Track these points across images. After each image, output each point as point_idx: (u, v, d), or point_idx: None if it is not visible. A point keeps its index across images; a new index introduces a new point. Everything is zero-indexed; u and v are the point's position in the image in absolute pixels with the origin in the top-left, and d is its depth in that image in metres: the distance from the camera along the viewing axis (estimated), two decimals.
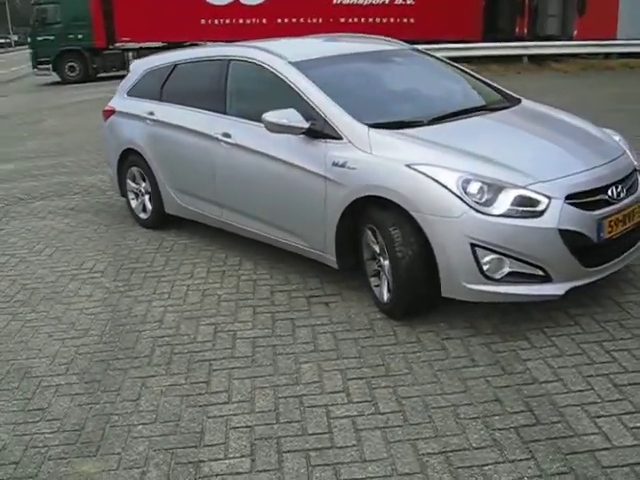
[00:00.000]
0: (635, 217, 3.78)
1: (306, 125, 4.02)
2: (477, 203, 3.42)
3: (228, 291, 4.39)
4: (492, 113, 4.40)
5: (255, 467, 2.71)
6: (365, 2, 19.99)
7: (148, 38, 20.42)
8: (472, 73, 5.07)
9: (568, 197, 3.48)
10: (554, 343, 3.50)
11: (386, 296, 3.83)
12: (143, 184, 5.67)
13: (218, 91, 4.84)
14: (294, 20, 19.98)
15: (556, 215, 3.42)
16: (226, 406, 3.14)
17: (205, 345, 3.71)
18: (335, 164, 3.91)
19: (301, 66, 4.38)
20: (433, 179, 3.51)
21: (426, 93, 4.58)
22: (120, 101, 5.95)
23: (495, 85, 4.95)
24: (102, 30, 20.50)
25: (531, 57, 17.53)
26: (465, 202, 3.43)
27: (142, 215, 5.79)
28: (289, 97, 4.25)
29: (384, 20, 19.82)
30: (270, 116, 4.08)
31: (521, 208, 3.43)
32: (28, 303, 4.41)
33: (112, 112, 5.96)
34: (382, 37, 5.46)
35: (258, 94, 4.66)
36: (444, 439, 2.80)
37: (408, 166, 3.61)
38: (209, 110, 4.89)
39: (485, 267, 3.45)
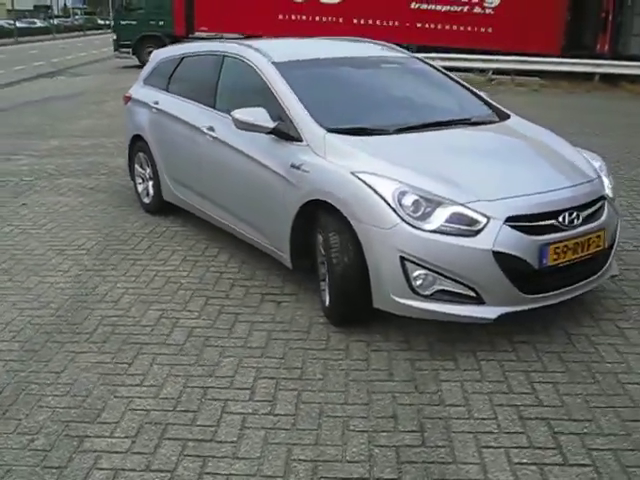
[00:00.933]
0: (591, 247, 3.62)
1: (272, 125, 4.07)
2: (410, 216, 3.38)
3: (191, 280, 4.50)
4: (468, 127, 4.31)
5: (132, 449, 2.80)
6: (443, 9, 19.71)
7: (225, 29, 20.86)
8: (468, 86, 4.96)
9: (510, 219, 3.38)
10: (480, 367, 3.41)
11: (327, 301, 3.83)
12: (147, 170, 5.87)
13: (211, 85, 4.96)
14: (370, 22, 19.95)
15: (492, 236, 3.33)
16: (135, 388, 3.23)
17: (145, 329, 3.83)
18: (292, 166, 3.95)
19: (282, 67, 4.43)
20: (372, 188, 3.49)
21: (405, 102, 4.53)
22: (136, 88, 6.17)
23: (487, 100, 4.84)
24: (182, 19, 21.10)
25: (604, 76, 16.80)
26: (398, 214, 3.39)
27: (145, 200, 5.99)
28: (266, 96, 4.31)
29: (461, 28, 19.48)
30: (238, 113, 4.16)
31: (456, 226, 3.36)
32: (9, 272, 4.66)
33: (130, 99, 6.19)
34: (386, 43, 5.41)
35: (242, 91, 4.74)
36: (321, 448, 2.80)
37: (353, 173, 3.60)
38: (202, 103, 5.01)
39: (414, 282, 3.40)
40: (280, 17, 20.54)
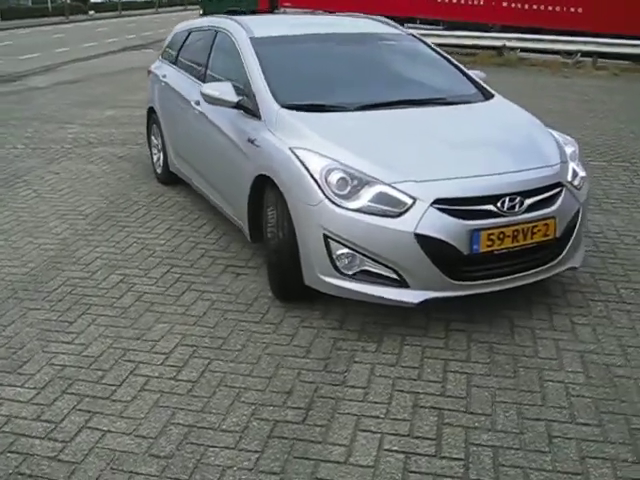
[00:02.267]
0: (537, 235, 3.44)
1: (235, 99, 4.11)
2: (335, 194, 3.34)
3: (165, 249, 4.65)
4: (437, 107, 4.17)
5: (33, 400, 2.97)
6: None
7: (308, 5, 20.94)
8: (458, 65, 4.78)
9: (438, 201, 3.27)
10: (401, 352, 3.35)
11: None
12: (159, 141, 6.06)
13: (204, 60, 5.06)
14: (454, 1, 19.36)
15: (416, 218, 3.24)
16: (64, 345, 3.41)
17: (100, 291, 4.01)
18: (249, 140, 3.98)
19: (259, 42, 4.45)
20: (303, 164, 3.47)
21: (379, 79, 4.41)
22: (156, 62, 6.37)
23: (475, 79, 4.64)
24: None
25: None
26: (323, 191, 3.36)
27: (158, 170, 6.20)
28: (240, 71, 4.35)
29: (549, 8, 18.48)
30: (206, 87, 4.23)
31: (380, 206, 3.29)
32: (7, 232, 4.98)
33: (150, 72, 6.40)
34: (384, 20, 5.28)
35: (226, 66, 4.79)
36: (203, 415, 2.86)
37: (290, 149, 3.59)
38: (195, 77, 5.13)
39: (338, 261, 3.38)
40: None
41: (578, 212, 3.69)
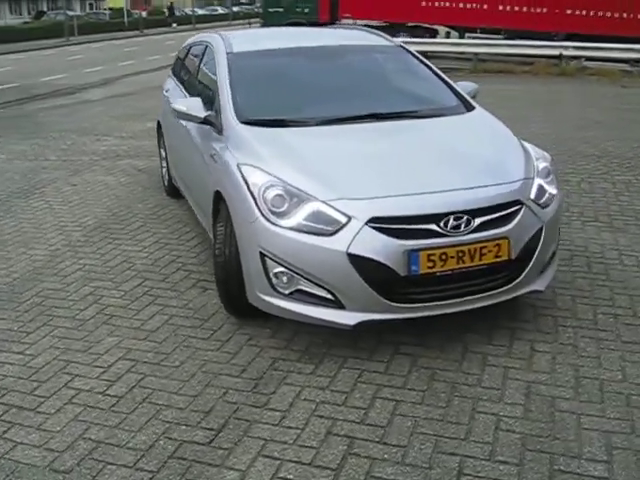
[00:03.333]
0: (487, 257, 3.26)
1: (202, 115, 4.12)
2: (271, 211, 3.28)
3: (145, 262, 4.69)
4: (404, 120, 4.05)
5: None
6: None
7: (368, 16, 20.93)
8: (444, 77, 4.61)
9: (373, 220, 3.15)
10: (335, 375, 3.25)
11: None
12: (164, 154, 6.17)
13: (194, 73, 5.13)
14: (516, 8, 18.86)
15: (349, 237, 3.14)
16: (12, 355, 3.49)
17: (67, 303, 4.08)
18: (211, 155, 3.99)
19: (235, 57, 4.46)
20: (245, 180, 3.43)
21: (350, 94, 4.30)
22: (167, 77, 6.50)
23: (458, 91, 4.47)
24: (327, 6, 21.47)
25: None
26: (259, 208, 3.31)
27: (165, 182, 6.31)
28: (215, 86, 4.37)
29: (615, 15, 17.66)
30: (176, 103, 4.26)
31: (314, 224, 3.20)
32: (4, 242, 5.17)
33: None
34: (376, 32, 5.19)
35: (208, 80, 4.81)
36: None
37: (237, 165, 3.56)
38: (186, 91, 5.19)
39: (274, 280, 3.31)
40: (423, 4, 20.14)
41: (540, 232, 3.47)
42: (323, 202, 3.22)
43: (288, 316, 3.38)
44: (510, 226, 3.32)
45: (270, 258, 3.28)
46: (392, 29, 20.64)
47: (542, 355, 3.39)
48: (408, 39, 18.23)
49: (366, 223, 3.15)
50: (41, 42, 31.64)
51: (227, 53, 4.50)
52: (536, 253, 3.46)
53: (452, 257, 3.20)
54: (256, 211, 3.31)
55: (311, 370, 3.30)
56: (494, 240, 3.27)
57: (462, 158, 3.65)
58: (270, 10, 22.72)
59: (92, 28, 38.10)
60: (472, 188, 3.36)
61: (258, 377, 3.25)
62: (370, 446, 2.73)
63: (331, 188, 3.27)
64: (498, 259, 3.30)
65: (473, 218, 3.24)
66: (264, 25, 22.51)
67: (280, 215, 3.26)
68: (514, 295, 3.49)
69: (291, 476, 2.57)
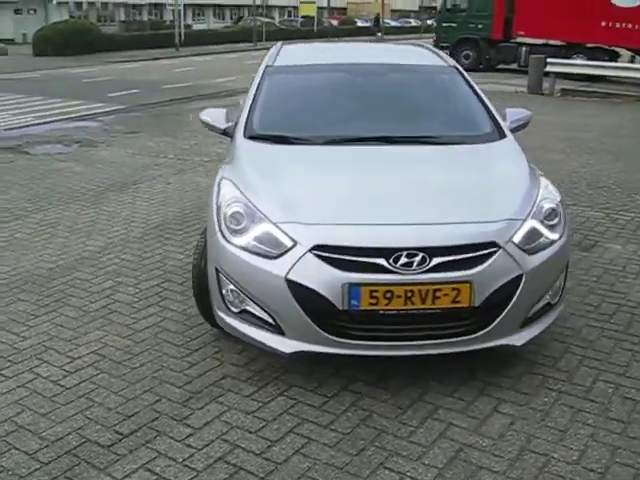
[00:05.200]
0: (441, 301, 2.98)
1: (222, 127, 4.22)
2: (228, 228, 3.26)
3: (175, 264, 4.87)
4: (420, 146, 3.87)
5: None
6: None
7: (543, 35, 19.95)
8: (486, 103, 4.27)
9: (318, 247, 3.01)
10: (269, 402, 3.15)
11: None
12: None
13: None
14: None
15: (290, 263, 3.03)
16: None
17: (82, 293, 4.37)
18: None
19: (273, 70, 4.50)
20: (217, 195, 3.45)
21: (377, 114, 4.13)
22: None
23: (496, 118, 4.12)
24: (501, 22, 20.74)
25: None
26: (219, 224, 3.30)
27: None
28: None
29: None
30: (202, 113, 4.39)
31: (262, 245, 3.14)
32: (73, 231, 5.62)
33: None
34: (436, 51, 4.91)
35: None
36: None
37: (221, 178, 3.59)
38: None
39: (226, 297, 3.29)
40: (603, 24, 18.75)
41: (518, 280, 3.10)
42: (274, 224, 3.14)
43: (236, 335, 3.35)
44: (476, 270, 3.01)
45: (223, 275, 3.27)
46: (569, 49, 19.51)
47: (500, 418, 3.04)
48: (575, 61, 17.16)
49: (310, 250, 3.02)
50: (229, 46, 33.87)
51: (267, 66, 4.55)
52: (510, 304, 3.10)
53: (399, 296, 2.96)
54: (216, 226, 3.32)
55: (250, 392, 3.24)
56: (452, 283, 2.98)
57: (449, 191, 3.38)
58: (444, 25, 22.42)
59: (282, 34, 40.06)
60: (437, 224, 3.10)
61: (197, 391, 3.25)
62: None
63: (287, 211, 3.19)
64: (456, 305, 3.00)
65: (430, 257, 2.98)
66: (437, 40, 22.28)
67: (236, 233, 3.24)
68: (480, 347, 3.14)
69: None
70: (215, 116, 4.30)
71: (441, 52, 4.97)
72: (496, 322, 3.09)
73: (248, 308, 3.21)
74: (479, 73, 20.08)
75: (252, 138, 3.91)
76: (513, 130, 4.33)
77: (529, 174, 3.59)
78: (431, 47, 5.14)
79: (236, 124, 4.18)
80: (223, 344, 3.68)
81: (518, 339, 3.21)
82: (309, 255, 3.02)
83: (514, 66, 20.92)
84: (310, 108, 4.26)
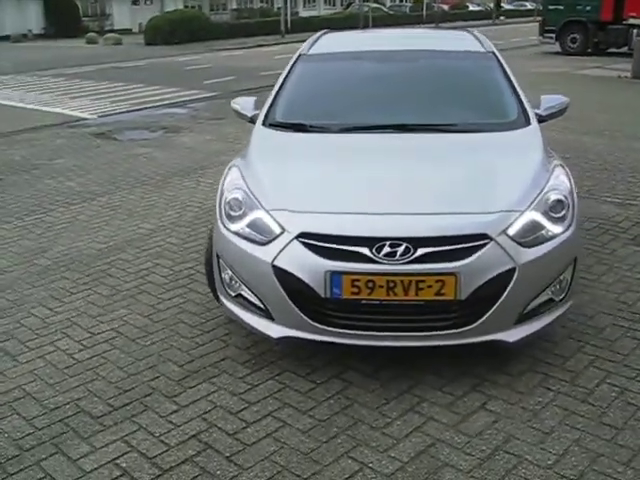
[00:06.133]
0: (425, 293, 2.93)
1: (250, 114, 4.31)
2: (227, 214, 3.35)
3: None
4: (437, 134, 3.82)
5: None
6: None
7: None
8: (518, 90, 4.09)
9: (303, 235, 3.04)
10: (257, 385, 3.23)
11: None
12: None
13: None
14: None
15: (277, 250, 3.07)
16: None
17: (119, 272, 4.62)
18: None
19: (305, 59, 4.54)
20: (223, 181, 3.55)
21: (398, 101, 4.08)
22: None
23: (525, 107, 3.94)
24: (611, 4, 19.44)
25: None
26: (219, 210, 3.39)
27: None
28: None
29: None
30: (234, 101, 4.49)
31: (253, 232, 3.21)
32: (130, 214, 5.94)
33: None
34: (478, 36, 4.75)
35: None
36: None
37: (232, 164, 3.69)
38: None
39: (225, 281, 3.39)
40: None
41: (511, 274, 2.97)
42: (266, 211, 3.20)
43: (234, 318, 3.44)
44: (463, 262, 2.92)
45: (222, 260, 3.37)
46: None
47: (484, 416, 2.95)
48: None
49: (296, 237, 3.05)
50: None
51: (300, 54, 4.59)
52: (502, 298, 2.98)
53: (381, 286, 2.93)
54: (217, 211, 3.42)
55: (243, 375, 3.32)
56: (436, 275, 2.91)
57: (449, 181, 3.30)
58: (550, 7, 21.30)
59: (389, 20, 39.66)
60: (425, 214, 3.03)
61: (195, 370, 3.38)
62: (219, 460, 2.71)
63: (280, 198, 3.23)
64: (440, 297, 2.93)
65: (414, 247, 2.92)
66: (543, 24, 21.26)
67: (233, 219, 3.32)
68: (468, 341, 3.05)
69: (125, 465, 2.70)
70: (244, 104, 4.40)
71: (483, 37, 4.78)
72: (485, 317, 3.00)
73: (243, 293, 3.29)
74: (586, 57, 19.09)
75: (272, 126, 3.99)
76: (548, 117, 4.14)
77: (540, 163, 3.42)
78: (475, 33, 4.96)
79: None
80: (233, 327, 3.78)
81: (511, 335, 3.09)
82: (295, 242, 3.05)
83: (625, 50, 19.61)
84: (334, 96, 4.26)
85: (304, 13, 46.10)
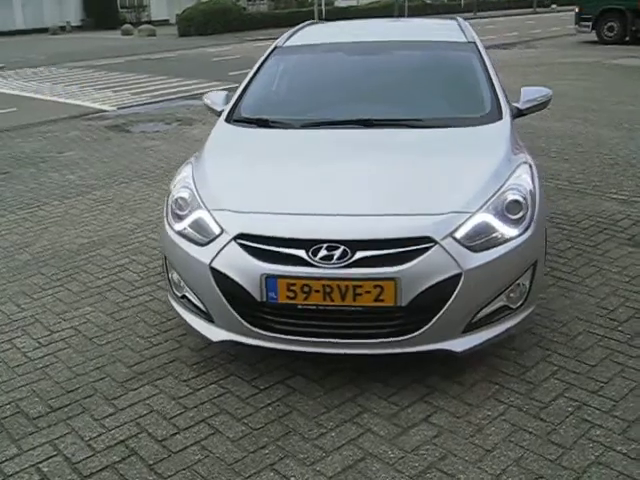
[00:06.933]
0: (363, 299, 2.79)
1: (219, 109, 4.21)
2: (172, 213, 3.27)
3: None
4: (399, 129, 3.66)
5: None
6: None
7: None
8: (494, 83, 3.88)
9: (241, 236, 2.93)
10: (199, 390, 3.13)
11: None
12: None
13: None
14: None
15: (215, 251, 2.97)
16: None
17: (94, 269, 4.60)
18: None
19: (280, 51, 4.45)
20: (175, 178, 3.47)
21: (364, 96, 3.97)
22: None
23: (499, 101, 3.74)
24: None
25: None
26: (166, 209, 3.31)
27: None
28: None
29: None
30: (206, 96, 4.41)
31: (194, 232, 3.12)
32: (121, 208, 5.94)
33: None
34: (464, 26, 4.53)
35: None
36: None
37: (187, 162, 3.61)
38: None
39: (172, 282, 3.31)
40: None
41: (456, 280, 2.81)
42: (208, 211, 3.10)
43: (181, 319, 3.35)
44: (403, 267, 2.77)
45: (168, 260, 3.29)
46: None
47: (426, 429, 2.79)
48: None
49: (234, 238, 2.94)
50: None
51: (276, 47, 4.47)
52: (447, 305, 2.82)
53: (317, 291, 2.80)
54: (165, 210, 3.34)
55: (188, 377, 3.24)
56: (374, 280, 2.77)
57: (400, 181, 3.14)
58: None
59: (425, 9, 38.96)
60: (365, 216, 2.89)
61: (142, 372, 3.30)
62: (140, 468, 2.64)
63: (222, 198, 3.13)
64: (379, 304, 2.79)
65: (352, 251, 2.78)
66: (579, 12, 20.55)
67: (178, 218, 3.24)
68: (411, 350, 2.89)
69: (47, 470, 2.65)
70: (215, 98, 4.31)
71: (467, 27, 4.58)
72: (429, 325, 2.84)
73: (187, 294, 3.21)
74: (622, 47, 18.38)
75: (235, 121, 3.88)
76: (527, 111, 3.92)
77: (502, 161, 3.23)
78: (460, 21, 4.75)
79: None
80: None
81: (458, 345, 2.92)
82: (233, 244, 2.94)
83: None
84: (302, 90, 4.15)
85: (343, 3, 45.64)
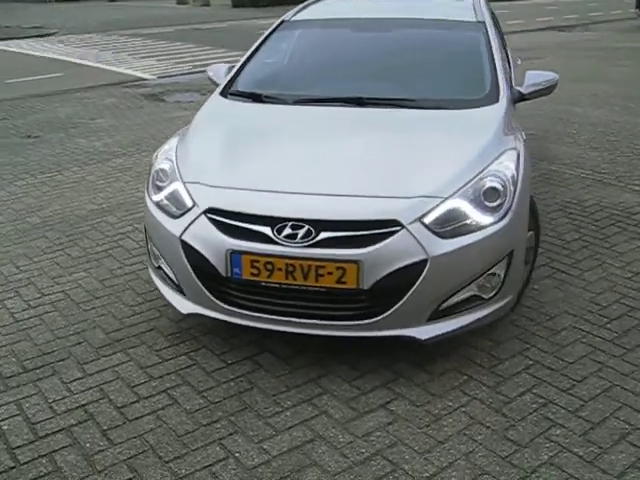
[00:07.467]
0: (325, 279, 2.75)
1: (219, 82, 4.18)
2: (153, 184, 3.28)
3: None
4: (388, 109, 3.57)
5: None
6: None
7: None
8: (496, 65, 3.73)
9: (211, 210, 2.92)
10: (168, 360, 3.16)
11: None
12: None
13: None
14: None
15: (185, 224, 2.98)
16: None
17: (97, 234, 4.67)
18: None
19: (286, 26, 4.40)
20: (160, 149, 3.48)
21: (363, 74, 3.88)
22: None
23: (498, 83, 3.59)
24: None
25: None
26: (148, 180, 3.32)
27: None
28: None
29: None
30: (208, 68, 4.39)
31: (169, 204, 3.13)
32: (137, 177, 6.01)
33: None
34: (479, 5, 4.37)
35: None
36: None
37: (176, 134, 3.60)
38: None
39: (152, 252, 3.33)
40: None
41: (422, 266, 2.73)
42: (183, 183, 3.10)
43: (156, 288, 3.38)
44: (367, 249, 2.71)
45: (147, 230, 3.31)
46: None
47: (382, 416, 2.75)
48: None
49: (204, 212, 2.94)
50: None
51: (283, 21, 4.41)
52: (410, 291, 2.75)
53: (280, 269, 2.78)
54: (147, 181, 3.35)
55: (160, 347, 3.28)
56: (337, 262, 2.72)
57: (377, 162, 3.06)
58: None
59: None
60: (332, 196, 2.83)
61: (118, 339, 3.35)
62: (93, 432, 2.69)
63: (198, 171, 3.13)
64: (341, 285, 2.75)
65: (317, 231, 2.74)
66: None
67: (157, 189, 3.25)
68: (373, 335, 2.85)
69: (6, 428, 2.72)
70: (217, 71, 4.29)
71: (481, 6, 4.40)
72: (392, 310, 2.78)
73: (162, 265, 3.23)
74: None
75: (230, 95, 3.86)
76: (530, 96, 3.78)
77: (487, 146, 3.11)
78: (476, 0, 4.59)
79: None
80: None
81: (423, 332, 2.86)
82: (203, 217, 2.94)
83: None
84: (301, 66, 4.11)
85: None
